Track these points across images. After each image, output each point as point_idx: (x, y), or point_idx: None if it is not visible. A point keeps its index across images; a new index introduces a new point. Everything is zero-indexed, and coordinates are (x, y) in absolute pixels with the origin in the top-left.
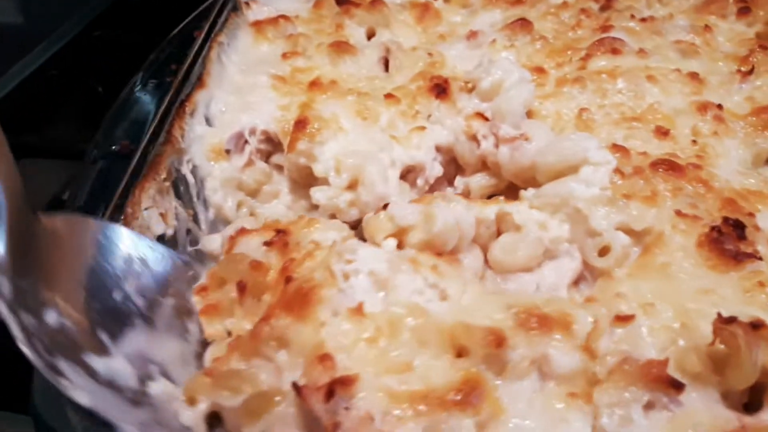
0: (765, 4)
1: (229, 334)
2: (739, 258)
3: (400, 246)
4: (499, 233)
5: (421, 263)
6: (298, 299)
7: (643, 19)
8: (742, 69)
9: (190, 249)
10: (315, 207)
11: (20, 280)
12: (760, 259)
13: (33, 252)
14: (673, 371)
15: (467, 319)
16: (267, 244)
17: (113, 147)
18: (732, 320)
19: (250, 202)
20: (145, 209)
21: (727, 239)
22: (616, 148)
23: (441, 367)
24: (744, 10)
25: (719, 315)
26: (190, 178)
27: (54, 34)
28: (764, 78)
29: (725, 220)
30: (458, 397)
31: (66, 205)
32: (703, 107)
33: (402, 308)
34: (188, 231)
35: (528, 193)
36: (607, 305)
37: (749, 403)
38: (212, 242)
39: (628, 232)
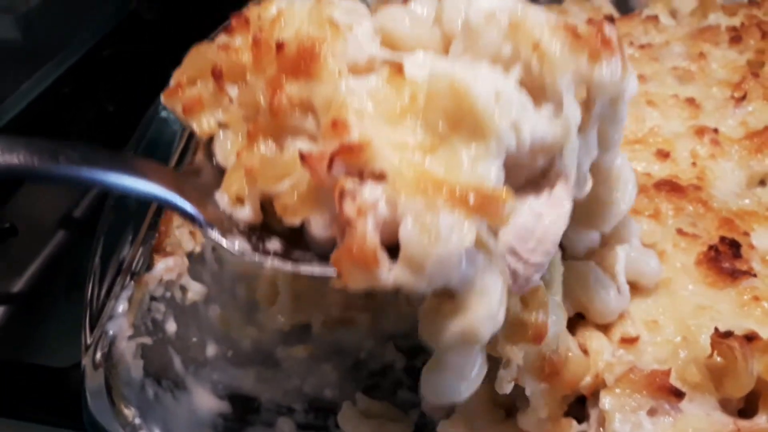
0: (755, 33)
1: (221, 125)
2: (735, 275)
3: None
4: None
5: None
6: (303, 58)
7: (642, 46)
8: (735, 95)
9: (215, 267)
10: None
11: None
12: (755, 275)
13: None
14: (674, 381)
15: None
16: (227, 30)
17: None
18: (728, 334)
19: None
20: (177, 227)
21: (724, 257)
22: None
23: (467, 160)
24: (736, 39)
25: (716, 329)
26: None
27: (63, 52)
28: (756, 103)
29: (722, 239)
30: (476, 202)
31: (92, 227)
32: (700, 131)
33: (443, 80)
34: (213, 248)
35: None
36: (613, 328)
37: (745, 409)
38: None
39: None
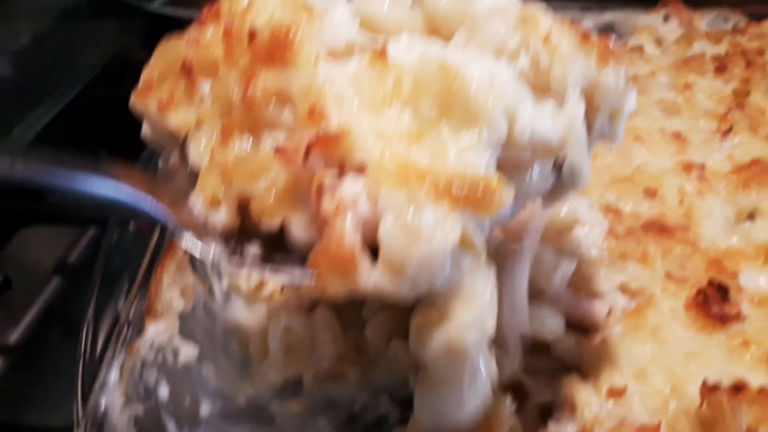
0: (739, 62)
1: (198, 123)
2: (724, 320)
3: None
4: None
5: None
6: (277, 45)
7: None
8: (722, 127)
9: (207, 323)
10: None
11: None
12: (743, 319)
13: None
14: None
15: None
16: (198, 22)
17: (131, 228)
18: (716, 388)
19: None
20: (167, 285)
21: (713, 301)
22: (608, 209)
23: (455, 149)
24: (721, 68)
25: (704, 382)
26: None
27: (56, 93)
28: (742, 135)
29: (710, 282)
30: (463, 192)
31: (87, 272)
32: (687, 167)
33: (433, 63)
34: (204, 304)
35: None
36: (600, 379)
37: None
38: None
39: (624, 290)
